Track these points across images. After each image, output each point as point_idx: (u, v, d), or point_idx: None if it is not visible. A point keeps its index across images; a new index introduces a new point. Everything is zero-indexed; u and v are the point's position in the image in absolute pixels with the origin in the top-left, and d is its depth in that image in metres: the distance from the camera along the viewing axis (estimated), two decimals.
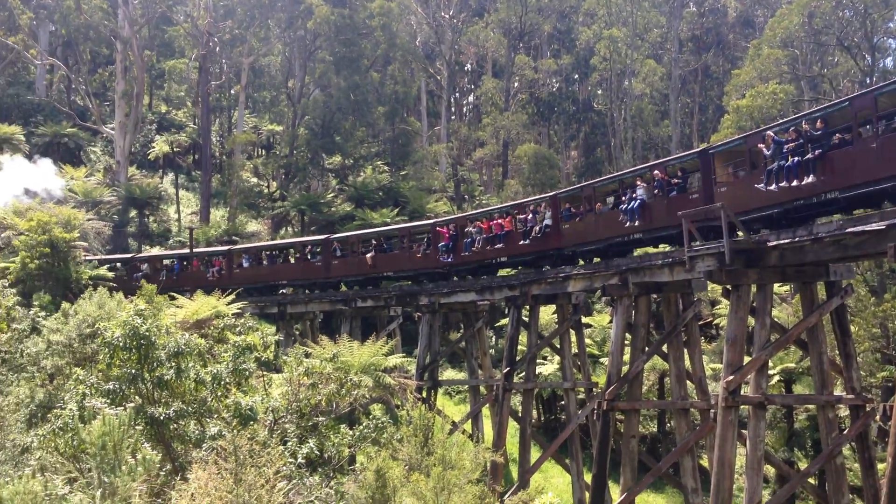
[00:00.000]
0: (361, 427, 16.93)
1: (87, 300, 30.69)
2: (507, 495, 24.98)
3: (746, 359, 21.86)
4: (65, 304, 31.22)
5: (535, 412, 40.23)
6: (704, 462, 30.91)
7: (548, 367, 38.46)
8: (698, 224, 22.16)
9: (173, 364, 14.95)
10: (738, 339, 21.51)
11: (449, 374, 44.53)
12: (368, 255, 37.51)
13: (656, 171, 24.98)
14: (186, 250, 47.89)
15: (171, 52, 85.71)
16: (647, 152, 69.27)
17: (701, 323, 35.27)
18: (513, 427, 34.77)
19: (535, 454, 32.99)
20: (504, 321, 38.57)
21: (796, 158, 19.52)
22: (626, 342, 27.78)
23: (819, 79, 56.85)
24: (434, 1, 74.72)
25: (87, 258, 43.81)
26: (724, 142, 24.62)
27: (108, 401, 14.40)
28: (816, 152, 19.17)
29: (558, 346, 32.70)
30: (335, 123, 63.16)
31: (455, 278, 34.36)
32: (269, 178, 70.64)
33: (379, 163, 69.11)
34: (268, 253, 43.59)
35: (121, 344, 14.89)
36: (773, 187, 20.05)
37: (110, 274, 42.75)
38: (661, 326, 35.10)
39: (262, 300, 41.27)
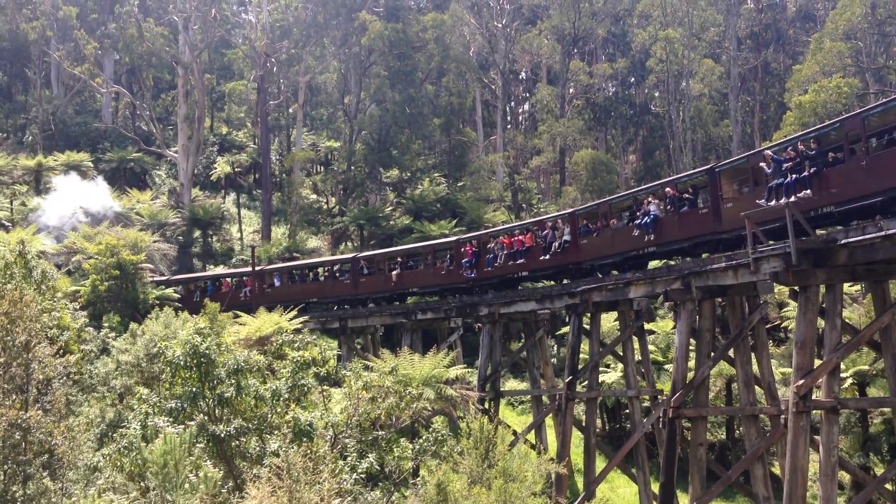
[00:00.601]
0: (421, 440, 16.85)
1: (154, 320, 31.45)
2: None
3: (817, 362, 21.21)
4: (133, 325, 32.04)
5: (599, 421, 39.69)
6: (776, 469, 30.04)
7: (611, 375, 37.91)
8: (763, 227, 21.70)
9: (233, 381, 15.14)
10: (807, 341, 20.89)
11: (511, 384, 44.25)
12: (394, 273, 39.18)
13: (668, 189, 26.45)
14: (221, 271, 49.14)
15: (231, 75, 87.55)
16: (708, 153, 68.04)
17: (768, 326, 34.38)
18: (577, 437, 34.33)
19: (600, 464, 32.50)
20: (565, 329, 38.15)
21: (794, 175, 21.04)
22: (691, 348, 27.21)
23: (885, 70, 55.11)
24: (487, 11, 74.84)
25: (154, 279, 44.88)
26: (730, 161, 26.55)
27: (171, 419, 14.66)
28: (812, 170, 20.66)
29: (621, 354, 32.20)
30: (391, 137, 63.62)
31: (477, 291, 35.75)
32: (327, 194, 71.45)
33: (436, 175, 69.33)
34: (297, 272, 45.11)
35: (182, 363, 15.15)
36: (771, 203, 21.52)
37: (176, 294, 43.68)
38: (726, 331, 34.31)
39: (324, 315, 41.67)
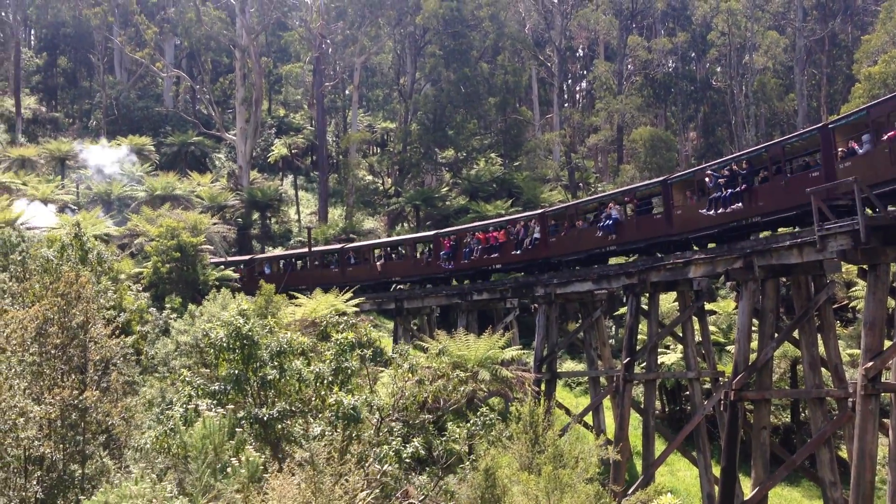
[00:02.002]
0: (469, 424, 16.57)
1: (212, 301, 31.78)
2: (630, 491, 24.16)
3: (887, 343, 20.33)
4: (191, 306, 32.40)
5: (658, 403, 38.98)
6: (843, 453, 29.08)
7: (670, 357, 37.14)
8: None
9: (276, 363, 15.05)
10: (876, 322, 20.05)
11: (568, 365, 43.76)
12: (378, 263, 42.08)
13: (626, 197, 30.70)
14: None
15: (287, 57, 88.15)
16: (772, 129, 66.03)
17: (835, 306, 33.22)
18: (635, 419, 33.76)
19: (659, 446, 31.90)
20: (623, 310, 37.47)
21: (729, 190, 24.99)
22: (754, 329, 26.40)
23: None
24: None
25: (213, 261, 45.46)
26: (679, 174, 30.58)
27: (215, 402, 14.66)
28: (744, 186, 24.60)
29: (680, 335, 31.46)
30: (447, 117, 63.22)
31: (454, 282, 39.09)
32: (383, 175, 71.52)
33: (491, 154, 68.76)
34: (286, 261, 47.34)
35: (225, 344, 15.12)
36: (712, 213, 25.59)
37: (234, 275, 44.17)
38: (790, 311, 33.28)
39: (380, 296, 41.71)
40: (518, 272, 35.90)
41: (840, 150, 21.74)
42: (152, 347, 30.14)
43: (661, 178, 30.54)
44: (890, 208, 20.25)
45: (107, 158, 58.38)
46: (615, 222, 30.34)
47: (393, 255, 42.92)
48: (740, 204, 24.63)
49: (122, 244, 46.56)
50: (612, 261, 32.96)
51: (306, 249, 46.79)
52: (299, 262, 46.82)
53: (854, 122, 21.81)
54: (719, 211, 25.29)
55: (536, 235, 34.04)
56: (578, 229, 32.46)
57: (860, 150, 21.22)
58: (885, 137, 19.74)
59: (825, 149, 22.23)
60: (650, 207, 30.09)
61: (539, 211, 36.42)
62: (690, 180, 27.82)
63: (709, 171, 26.14)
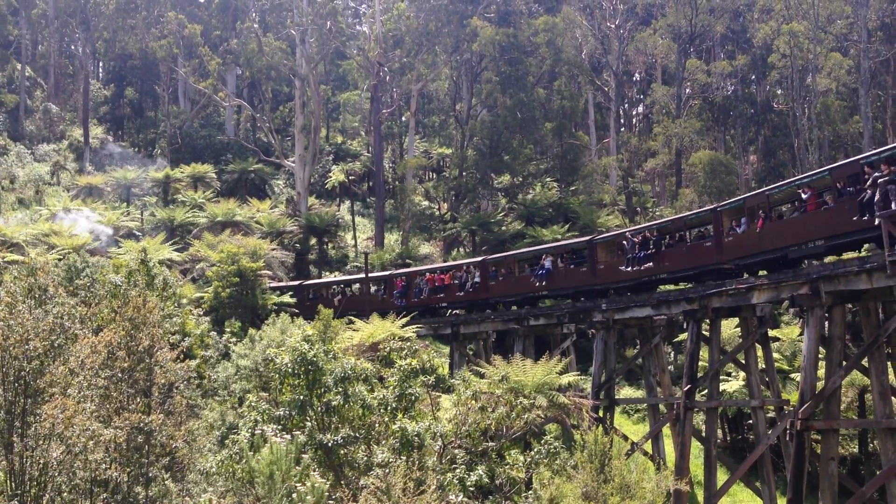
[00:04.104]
0: (533, 452, 16.36)
1: (271, 326, 32.21)
2: None
3: None
4: (251, 330, 32.89)
5: (720, 432, 38.11)
6: None
7: (732, 384, 36.33)
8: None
9: (340, 389, 15.13)
10: None
11: (626, 392, 43.10)
12: (336, 299, 45.55)
13: (559, 253, 36.75)
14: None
15: (345, 85, 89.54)
16: (835, 152, 64.58)
17: None
18: (696, 448, 33.05)
19: (721, 476, 31.15)
20: (683, 336, 36.87)
21: (643, 252, 31.08)
22: (820, 356, 25.71)
23: None
24: (599, 12, 73.59)
25: (272, 286, 46.10)
26: (603, 236, 36.24)
27: (280, 427, 14.79)
28: (653, 249, 30.89)
29: (743, 362, 30.81)
30: (503, 143, 63.31)
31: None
32: (439, 201, 71.85)
33: (548, 179, 68.57)
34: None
35: (290, 370, 15.26)
36: (629, 269, 31.72)
37: (292, 300, 44.70)
38: (858, 338, 32.36)
39: (436, 321, 41.73)
40: (461, 310, 41.18)
41: (728, 227, 28.23)
42: (213, 371, 30.65)
43: (587, 238, 37.01)
44: None
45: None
46: (548, 272, 36.05)
47: (347, 292, 47.23)
48: (651, 263, 30.86)
49: (184, 269, 47.57)
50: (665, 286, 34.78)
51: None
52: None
53: (735, 207, 28.41)
54: (634, 268, 31.49)
55: (477, 280, 39.71)
56: (516, 276, 38.34)
57: (739, 230, 27.68)
58: (757, 222, 26.42)
59: (716, 225, 28.65)
60: (580, 260, 35.51)
61: (480, 259, 42.28)
62: (612, 242, 34.06)
63: (627, 235, 32.42)
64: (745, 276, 27.79)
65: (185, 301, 37.35)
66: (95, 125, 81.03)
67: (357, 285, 47.81)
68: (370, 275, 46.12)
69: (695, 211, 34.61)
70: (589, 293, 34.58)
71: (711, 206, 31.46)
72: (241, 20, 77.81)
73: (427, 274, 42.72)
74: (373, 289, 44.92)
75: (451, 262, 46.31)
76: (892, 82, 67.10)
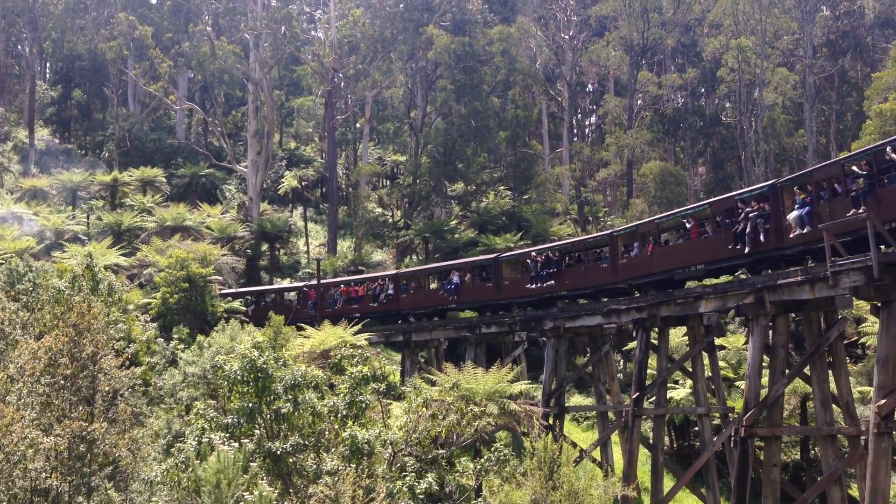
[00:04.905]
0: (483, 460, 16.38)
1: (221, 332, 31.79)
2: None
3: None
4: (200, 337, 32.42)
5: (667, 439, 38.63)
6: (854, 492, 28.69)
7: (679, 392, 36.85)
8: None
9: (290, 397, 14.97)
10: (890, 359, 19.92)
11: (576, 399, 43.45)
12: (250, 308, 46.66)
13: (468, 269, 39.34)
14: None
15: (300, 91, 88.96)
16: (781, 165, 66.11)
17: (846, 342, 33.03)
18: (644, 455, 33.42)
19: (668, 483, 31.54)
20: (632, 345, 37.31)
21: (545, 271, 33.96)
22: (764, 364, 26.22)
23: None
24: (554, 23, 74.32)
25: (222, 292, 45.52)
26: (508, 255, 39.01)
27: (228, 435, 14.57)
28: (554, 269, 33.83)
29: (690, 370, 31.28)
30: (457, 150, 63.49)
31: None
32: (393, 208, 71.75)
33: (501, 188, 68.92)
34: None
35: (239, 377, 15.06)
36: (533, 286, 34.48)
37: (242, 307, 44.20)
38: (800, 347, 33.07)
39: (388, 328, 41.63)
40: (374, 321, 42.70)
41: (622, 250, 30.94)
42: (160, 378, 30.12)
43: (493, 256, 39.42)
44: None
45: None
46: (456, 286, 38.74)
47: (262, 303, 48.09)
48: (553, 281, 33.67)
49: (131, 275, 46.69)
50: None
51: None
52: None
53: (629, 233, 31.48)
54: (537, 285, 34.27)
55: (390, 292, 41.93)
56: (426, 289, 41.11)
57: (632, 253, 30.47)
58: (647, 247, 29.37)
59: (612, 248, 31.46)
60: (486, 276, 37.96)
61: (392, 272, 44.98)
62: (517, 260, 36.98)
63: (532, 255, 35.19)
64: (637, 294, 31.00)
65: (131, 307, 36.70)
66: (41, 127, 79.23)
67: (273, 295, 48.07)
68: (281, 286, 48.66)
69: (592, 235, 39.15)
70: (494, 307, 37.65)
71: (608, 231, 34.98)
72: (193, 23, 76.70)
73: (342, 286, 44.74)
74: (287, 298, 46.97)
75: (365, 276, 48.68)
76: (836, 97, 68.88)
